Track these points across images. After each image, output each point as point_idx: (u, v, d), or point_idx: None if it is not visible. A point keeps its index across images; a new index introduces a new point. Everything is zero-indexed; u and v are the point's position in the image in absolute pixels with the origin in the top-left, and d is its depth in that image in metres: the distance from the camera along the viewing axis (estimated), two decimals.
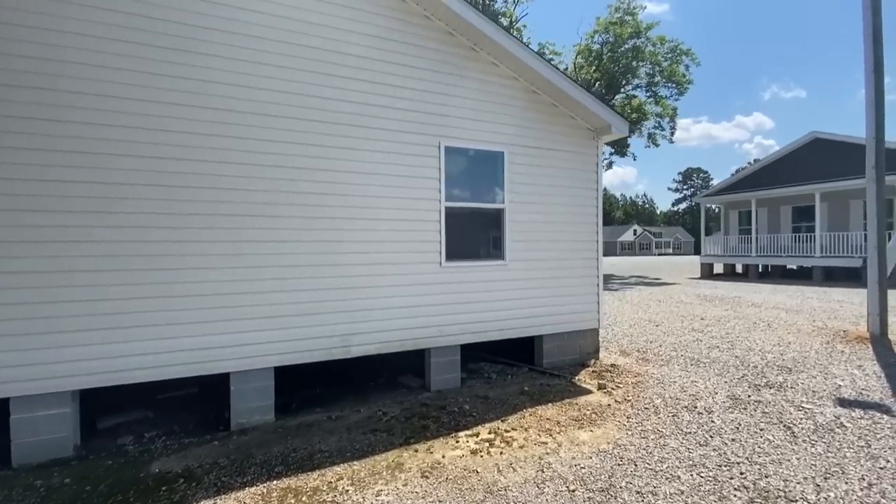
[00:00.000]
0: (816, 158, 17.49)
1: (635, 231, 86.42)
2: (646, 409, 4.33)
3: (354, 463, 3.48)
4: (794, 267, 19.43)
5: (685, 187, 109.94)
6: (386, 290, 4.85)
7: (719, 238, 20.96)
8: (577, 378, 5.37)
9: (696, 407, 4.30)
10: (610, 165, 27.28)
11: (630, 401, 4.55)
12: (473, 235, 5.55)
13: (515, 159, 5.60)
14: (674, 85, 22.76)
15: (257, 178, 4.26)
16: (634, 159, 25.97)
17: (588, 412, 4.31)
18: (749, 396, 4.49)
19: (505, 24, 23.31)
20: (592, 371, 5.59)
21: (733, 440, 3.59)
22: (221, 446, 3.89)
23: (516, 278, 5.60)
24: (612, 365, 5.76)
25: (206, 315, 4.08)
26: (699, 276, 20.28)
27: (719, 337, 7.04)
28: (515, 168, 5.60)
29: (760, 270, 19.71)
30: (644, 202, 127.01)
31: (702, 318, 8.65)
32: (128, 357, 3.80)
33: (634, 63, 21.56)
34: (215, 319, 4.12)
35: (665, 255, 79.68)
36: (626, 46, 21.12)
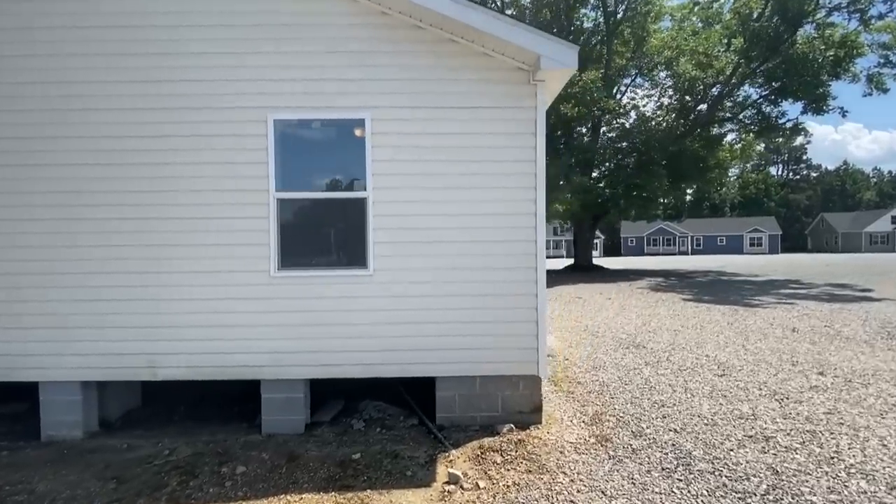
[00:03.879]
0: None
1: (894, 218, 61.69)
2: None
3: None
4: None
5: None
6: (198, 305, 3.98)
7: None
8: (453, 452, 3.50)
9: None
10: (798, 130, 19.36)
11: None
12: (325, 235, 4.19)
13: (385, 127, 3.97)
14: None
15: (35, 178, 3.92)
16: (843, 115, 17.72)
17: None
18: None
19: None
20: (483, 445, 3.57)
21: None
22: None
23: (386, 294, 4.00)
24: (520, 441, 3.60)
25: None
26: None
27: (810, 419, 3.78)
28: (386, 140, 3.97)
29: None
30: None
31: (821, 374, 4.97)
32: None
33: None
34: (13, 327, 3.98)
35: None
36: None
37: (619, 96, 22.55)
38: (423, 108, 3.97)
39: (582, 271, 20.88)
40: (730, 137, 21.12)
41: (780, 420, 3.74)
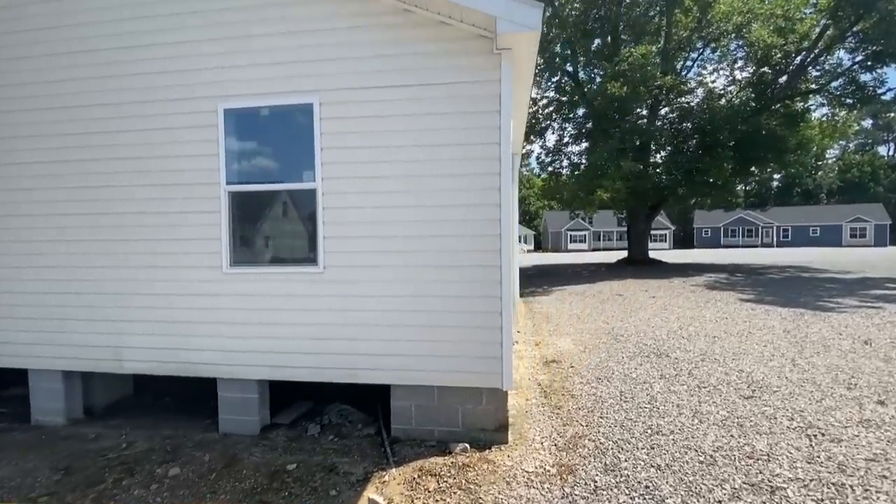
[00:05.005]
0: None
1: None
2: None
3: None
4: None
5: None
6: (158, 300, 3.97)
7: None
8: (392, 472, 3.15)
9: None
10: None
11: None
12: (278, 230, 3.97)
13: (335, 112, 3.64)
14: None
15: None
16: None
17: None
18: None
19: None
20: (423, 467, 3.17)
21: None
22: None
23: (337, 293, 3.71)
24: (466, 466, 3.14)
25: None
26: None
27: (843, 466, 2.91)
28: (335, 125, 3.65)
29: None
30: None
31: (881, 402, 3.88)
32: None
33: None
34: (4, 316, 4.22)
35: None
36: None
37: (684, 72, 20.40)
38: (375, 87, 3.58)
39: (635, 266, 19.27)
40: (819, 113, 18.26)
41: (802, 465, 2.93)
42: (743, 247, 55.91)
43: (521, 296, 12.27)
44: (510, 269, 3.50)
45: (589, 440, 3.49)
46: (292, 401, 4.49)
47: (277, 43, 3.66)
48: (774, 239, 58.02)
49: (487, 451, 3.40)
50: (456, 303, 3.54)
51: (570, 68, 19.45)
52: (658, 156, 19.93)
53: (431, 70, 3.51)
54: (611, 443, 3.41)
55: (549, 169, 20.09)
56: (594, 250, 55.83)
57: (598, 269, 19.52)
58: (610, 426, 3.71)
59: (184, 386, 4.87)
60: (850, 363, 5.07)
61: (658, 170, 17.51)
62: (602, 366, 5.39)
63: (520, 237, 62.05)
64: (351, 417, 4.16)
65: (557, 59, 19.08)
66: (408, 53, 3.54)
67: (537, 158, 20.48)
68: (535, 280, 16.55)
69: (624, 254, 22.77)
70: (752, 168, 18.17)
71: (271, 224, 3.95)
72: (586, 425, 3.77)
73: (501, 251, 3.47)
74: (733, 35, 16.78)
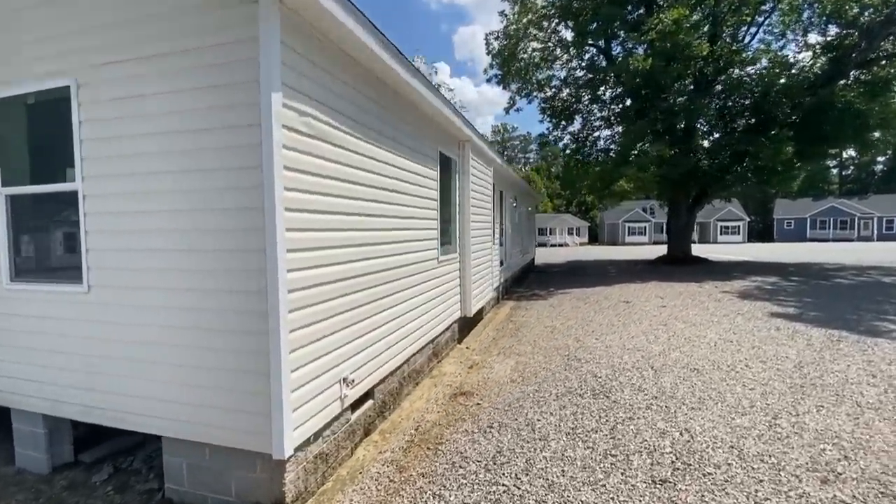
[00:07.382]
0: None
1: None
2: None
3: None
4: None
5: None
6: None
7: None
8: None
9: None
10: None
11: None
12: (58, 240, 3.35)
13: (95, 94, 2.94)
14: None
15: None
16: None
17: None
18: None
19: None
20: None
21: None
22: None
23: (103, 319, 3.04)
24: None
25: None
26: None
27: None
28: (97, 111, 2.95)
29: None
30: None
31: None
32: None
33: None
34: None
35: None
36: None
37: (747, 39, 17.50)
38: (132, 60, 2.82)
39: (673, 264, 16.97)
40: None
41: None
42: (834, 240, 48.78)
43: (518, 299, 11.06)
44: (278, 293, 2.58)
45: None
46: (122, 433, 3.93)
47: (37, 15, 3.01)
48: (875, 231, 50.00)
49: None
50: (214, 338, 2.71)
51: (601, 44, 17.42)
52: (708, 139, 17.34)
53: (189, 32, 2.66)
54: None
55: (577, 157, 18.22)
56: (655, 243, 51.44)
57: (629, 268, 17.49)
58: None
59: None
60: (858, 429, 3.52)
61: (699, 153, 15.08)
62: (515, 405, 4.28)
63: (570, 229, 58.98)
64: (155, 462, 3.50)
65: (590, 36, 17.14)
66: (161, 13, 2.72)
67: (564, 146, 18.68)
68: (553, 279, 15.10)
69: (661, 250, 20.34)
70: (825, 149, 15.12)
71: (52, 233, 3.36)
72: None
73: (267, 269, 2.57)
74: None
